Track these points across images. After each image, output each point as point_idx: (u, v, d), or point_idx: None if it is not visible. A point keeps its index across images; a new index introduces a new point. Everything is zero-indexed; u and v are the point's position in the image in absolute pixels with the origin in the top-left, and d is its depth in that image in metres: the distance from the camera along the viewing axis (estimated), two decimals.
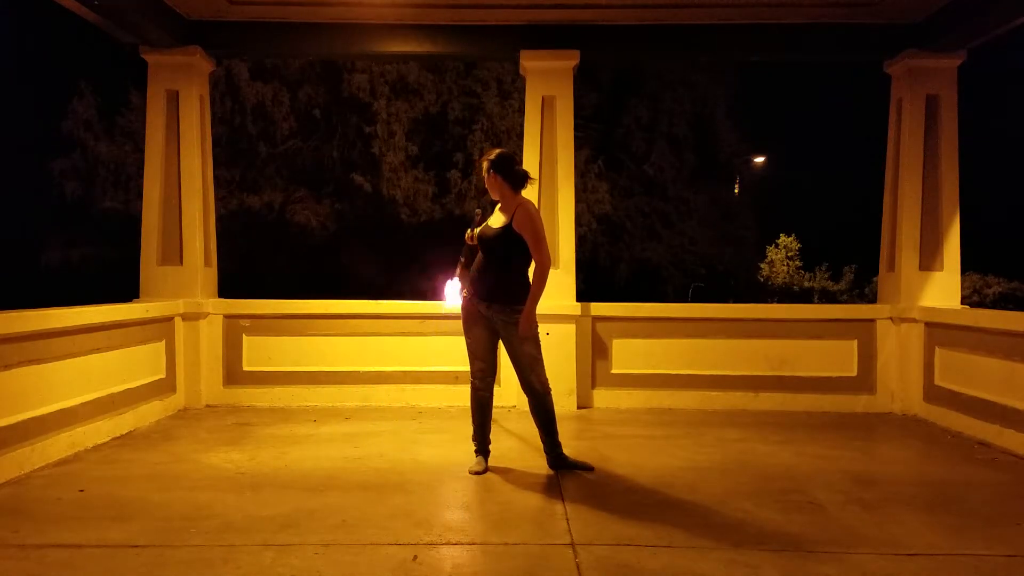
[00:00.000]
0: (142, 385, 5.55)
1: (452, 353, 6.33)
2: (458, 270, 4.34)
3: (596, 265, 17.12)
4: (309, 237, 16.52)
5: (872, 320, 6.33)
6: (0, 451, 4.03)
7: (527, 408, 6.11)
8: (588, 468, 4.33)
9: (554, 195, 6.36)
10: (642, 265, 17.95)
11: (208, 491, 3.90)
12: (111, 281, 9.24)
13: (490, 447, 4.42)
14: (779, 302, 18.22)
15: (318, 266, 16.10)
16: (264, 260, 16.20)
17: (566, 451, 4.41)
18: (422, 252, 16.80)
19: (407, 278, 15.62)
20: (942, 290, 6.25)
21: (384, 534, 3.27)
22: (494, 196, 4.23)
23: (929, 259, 6.30)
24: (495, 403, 6.22)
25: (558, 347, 6.03)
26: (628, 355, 6.33)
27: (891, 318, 6.27)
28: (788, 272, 22.31)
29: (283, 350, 6.33)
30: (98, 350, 4.98)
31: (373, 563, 2.97)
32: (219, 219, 7.07)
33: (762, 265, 22.35)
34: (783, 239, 22.60)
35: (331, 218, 16.71)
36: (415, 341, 6.34)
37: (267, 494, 3.85)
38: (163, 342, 5.90)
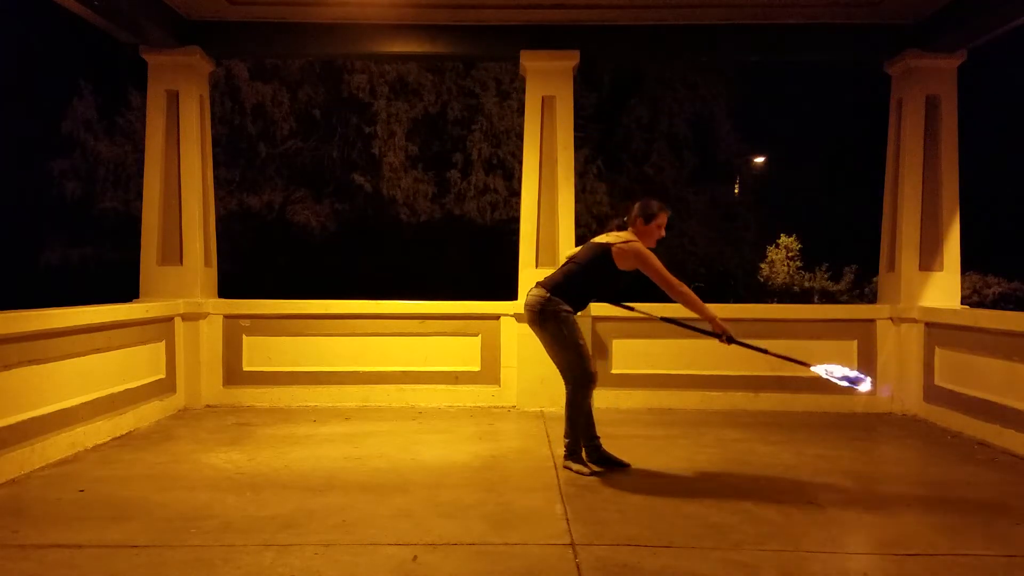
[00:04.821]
0: (142, 385, 5.55)
1: (452, 353, 6.35)
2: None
3: None
4: (309, 237, 16.53)
5: (872, 320, 6.33)
6: (0, 451, 4.03)
7: (526, 409, 6.18)
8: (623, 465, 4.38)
9: (554, 195, 6.35)
10: None
11: (208, 491, 3.90)
12: (111, 281, 9.24)
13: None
14: (779, 302, 18.21)
15: (318, 266, 16.10)
16: (264, 260, 16.20)
17: (561, 450, 4.43)
18: (422, 252, 16.82)
19: (407, 278, 15.62)
20: (942, 290, 6.25)
21: (384, 534, 3.27)
22: None
23: (929, 259, 6.29)
24: (495, 404, 6.27)
25: None
26: (628, 355, 6.33)
27: (891, 318, 6.26)
28: (788, 272, 22.28)
29: (283, 350, 6.33)
30: (98, 350, 4.98)
31: (373, 563, 2.97)
32: (219, 219, 7.07)
33: (762, 265, 22.31)
34: (783, 239, 22.55)
35: (331, 218, 16.72)
36: (415, 341, 6.34)
37: (267, 494, 3.85)
38: (163, 342, 5.90)
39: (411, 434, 5.29)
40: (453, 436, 5.23)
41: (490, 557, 3.03)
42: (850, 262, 21.07)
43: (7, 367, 4.12)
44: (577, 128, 6.81)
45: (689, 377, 6.29)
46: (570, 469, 4.27)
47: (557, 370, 4.36)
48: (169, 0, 5.93)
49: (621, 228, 4.33)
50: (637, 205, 4.33)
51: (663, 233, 4.36)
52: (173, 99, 6.37)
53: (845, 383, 4.15)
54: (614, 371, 6.33)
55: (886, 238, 6.56)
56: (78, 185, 16.27)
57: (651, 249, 4.23)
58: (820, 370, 4.16)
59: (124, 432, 5.21)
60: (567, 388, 4.28)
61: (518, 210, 6.68)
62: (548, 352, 4.33)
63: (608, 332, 6.32)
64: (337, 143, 16.41)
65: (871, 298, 12.22)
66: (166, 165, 6.37)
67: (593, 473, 4.22)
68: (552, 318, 4.17)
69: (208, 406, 6.23)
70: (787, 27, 6.27)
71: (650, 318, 4.86)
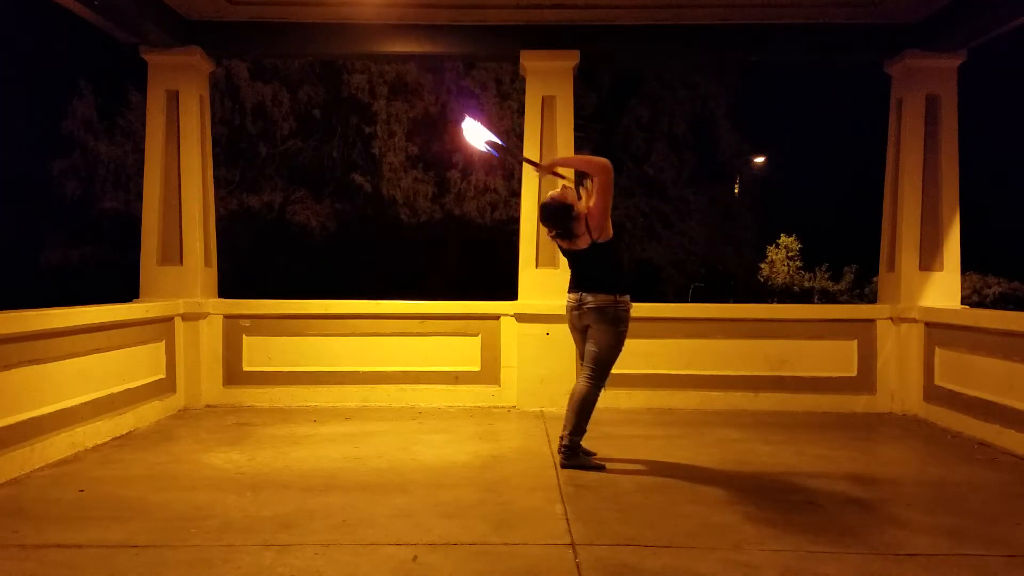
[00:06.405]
0: (142, 385, 5.55)
1: (452, 353, 6.35)
2: None
3: None
4: (309, 237, 16.54)
5: (872, 320, 6.33)
6: (0, 451, 4.03)
7: (526, 409, 6.18)
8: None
9: None
10: (642, 265, 17.95)
11: (208, 491, 3.90)
12: (111, 281, 9.25)
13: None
14: (779, 302, 18.22)
15: (318, 266, 16.11)
16: (264, 260, 16.22)
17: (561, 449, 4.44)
18: (422, 252, 16.83)
19: (407, 278, 15.63)
20: (942, 290, 6.25)
21: (384, 534, 3.27)
22: None
23: (929, 259, 6.29)
24: (495, 404, 6.27)
25: (558, 347, 6.02)
26: (627, 355, 6.22)
27: (891, 318, 6.26)
28: (788, 272, 22.30)
29: (283, 350, 6.33)
30: (98, 350, 4.98)
31: (373, 563, 2.96)
32: (219, 219, 7.07)
33: (762, 265, 22.34)
34: (783, 239, 22.59)
35: (331, 218, 16.73)
36: (415, 341, 6.34)
37: (267, 494, 3.85)
38: (163, 342, 5.90)
39: (411, 434, 5.29)
40: (453, 436, 5.23)
41: (490, 557, 3.03)
42: (850, 262, 21.10)
43: (7, 367, 4.12)
44: (577, 128, 6.80)
45: (689, 377, 6.29)
46: (580, 466, 4.30)
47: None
48: (169, 0, 5.93)
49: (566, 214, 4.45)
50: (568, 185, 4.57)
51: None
52: (173, 99, 6.37)
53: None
54: (613, 371, 6.27)
55: (886, 238, 6.56)
56: (78, 185, 16.28)
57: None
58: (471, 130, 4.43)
59: (124, 432, 5.21)
60: (588, 383, 4.36)
61: (518, 210, 6.68)
62: (591, 345, 4.42)
63: None
64: (337, 143, 16.42)
65: (871, 298, 12.23)
66: (166, 165, 6.36)
67: (596, 468, 4.29)
68: (623, 320, 4.42)
69: (208, 406, 6.23)
70: (787, 27, 6.27)
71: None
